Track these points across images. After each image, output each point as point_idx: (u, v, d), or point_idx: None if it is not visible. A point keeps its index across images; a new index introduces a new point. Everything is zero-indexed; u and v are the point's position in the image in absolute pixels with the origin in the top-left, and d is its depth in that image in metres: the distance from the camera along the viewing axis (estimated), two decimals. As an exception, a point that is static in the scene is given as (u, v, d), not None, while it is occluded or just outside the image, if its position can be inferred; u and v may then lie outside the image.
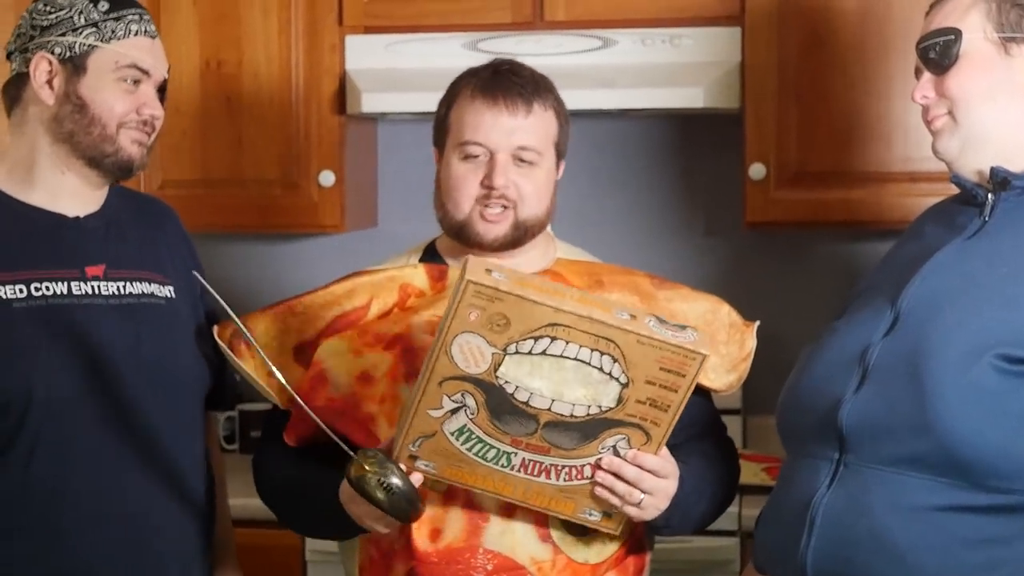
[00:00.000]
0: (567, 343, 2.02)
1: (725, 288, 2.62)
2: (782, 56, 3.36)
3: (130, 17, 2.42)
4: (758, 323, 2.46)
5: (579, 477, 2.12)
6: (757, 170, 3.37)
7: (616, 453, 2.10)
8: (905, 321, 2.08)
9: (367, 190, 3.82)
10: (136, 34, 2.42)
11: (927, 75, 2.17)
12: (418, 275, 2.39)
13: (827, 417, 2.11)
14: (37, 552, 2.33)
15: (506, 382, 2.04)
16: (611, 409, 2.06)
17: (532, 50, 3.41)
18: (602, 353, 2.02)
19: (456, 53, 3.37)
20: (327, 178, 3.52)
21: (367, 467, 2.08)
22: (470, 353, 2.01)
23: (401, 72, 3.45)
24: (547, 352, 2.03)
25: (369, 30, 3.52)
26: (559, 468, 2.11)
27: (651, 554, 2.44)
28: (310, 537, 2.45)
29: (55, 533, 2.33)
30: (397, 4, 3.50)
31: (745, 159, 3.40)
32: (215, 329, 2.40)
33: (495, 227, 2.32)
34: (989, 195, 2.13)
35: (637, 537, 2.35)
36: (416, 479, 2.12)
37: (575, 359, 2.03)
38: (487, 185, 2.30)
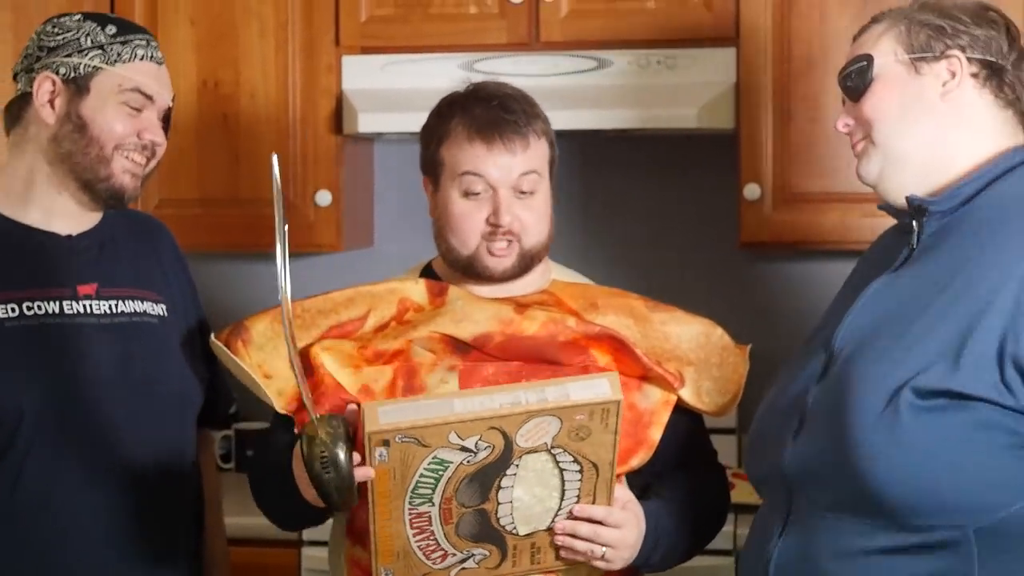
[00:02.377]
0: (579, 486, 2.11)
1: (719, 307, 2.63)
2: (777, 77, 3.37)
3: (137, 42, 2.43)
4: (750, 346, 2.47)
5: (427, 549, 2.13)
6: (752, 190, 3.38)
7: (463, 559, 2.15)
8: (836, 362, 2.08)
9: (363, 210, 3.82)
10: (142, 59, 2.43)
11: (848, 103, 2.19)
12: (418, 290, 2.39)
13: (774, 465, 2.12)
14: (23, 565, 2.34)
15: (516, 466, 2.07)
16: (514, 534, 2.15)
17: (527, 70, 3.42)
18: (579, 498, 2.14)
19: (452, 74, 3.38)
20: (324, 198, 3.53)
21: (321, 432, 2.04)
22: (538, 431, 2.04)
23: (398, 92, 3.46)
24: (563, 474, 2.09)
25: (366, 50, 3.53)
26: (430, 536, 2.11)
27: (645, 578, 2.45)
28: (277, 522, 2.42)
29: (42, 548, 2.34)
30: (394, 25, 3.52)
31: (740, 179, 3.41)
32: (212, 334, 2.40)
33: (503, 260, 2.34)
34: (914, 222, 2.12)
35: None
36: (362, 473, 2.05)
37: (560, 500, 2.12)
38: (492, 223, 2.31)
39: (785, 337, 3.32)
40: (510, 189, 2.32)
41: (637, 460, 2.31)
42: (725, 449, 3.56)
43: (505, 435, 2.03)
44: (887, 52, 2.13)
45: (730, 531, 3.20)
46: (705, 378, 2.40)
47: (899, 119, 2.12)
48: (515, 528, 2.14)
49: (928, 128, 2.11)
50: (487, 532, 2.13)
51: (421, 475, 2.04)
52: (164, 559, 2.45)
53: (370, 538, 2.11)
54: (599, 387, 2.05)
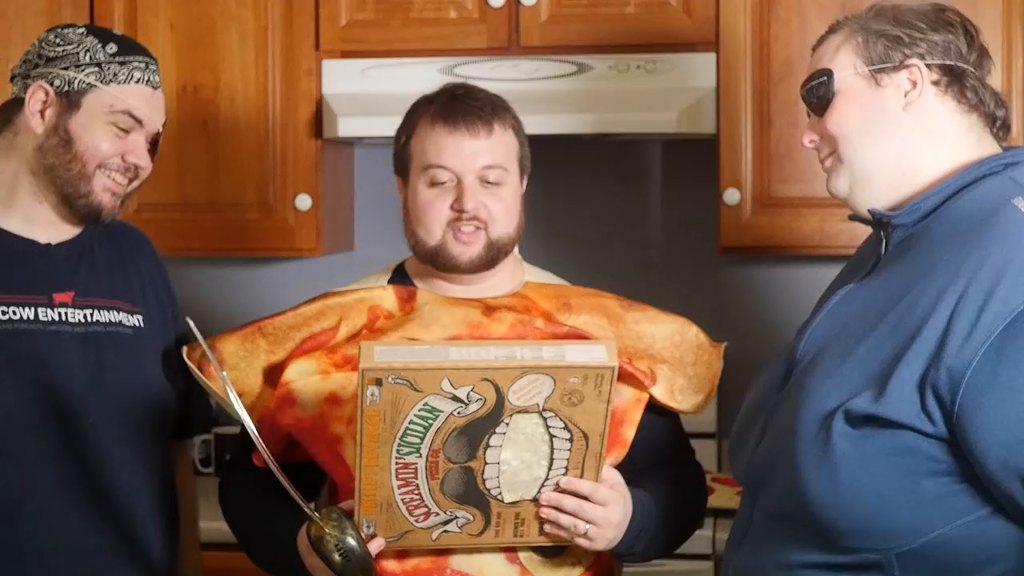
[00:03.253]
0: (568, 457, 2.11)
1: (699, 312, 2.63)
2: (756, 82, 3.38)
3: (135, 63, 2.43)
4: (726, 344, 2.47)
5: (411, 504, 2.13)
6: (731, 195, 3.39)
7: (446, 521, 2.15)
8: (795, 373, 2.08)
9: (343, 214, 3.82)
10: (138, 82, 2.42)
11: (812, 118, 2.17)
12: (387, 297, 2.40)
13: (740, 471, 2.15)
14: None
15: (507, 424, 2.07)
16: (499, 500, 2.15)
17: (508, 75, 3.42)
18: (567, 470, 2.14)
19: (432, 78, 3.37)
20: (303, 202, 3.52)
21: (327, 529, 2.11)
22: (531, 389, 2.04)
23: (377, 96, 3.46)
24: (553, 441, 2.10)
25: (346, 55, 3.53)
26: (415, 489, 2.11)
27: (620, 577, 2.46)
28: (263, 570, 2.45)
29: (13, 556, 2.34)
30: (373, 29, 3.51)
31: (719, 184, 3.41)
32: (184, 350, 2.41)
33: (469, 248, 2.34)
34: (881, 232, 2.11)
35: (606, 561, 2.37)
36: (374, 546, 2.14)
37: (548, 469, 2.12)
38: (457, 209, 2.32)
39: (764, 341, 3.33)
40: (475, 178, 2.33)
41: (611, 459, 2.32)
42: (705, 453, 3.57)
43: (498, 389, 2.03)
44: (846, 66, 2.11)
45: (709, 536, 3.20)
46: (679, 376, 2.40)
47: (863, 134, 2.09)
48: (500, 493, 2.14)
49: (893, 141, 2.08)
50: (472, 494, 2.13)
51: (411, 422, 2.04)
52: (137, 567, 2.44)
53: (355, 486, 2.11)
54: (595, 352, 2.05)
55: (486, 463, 2.11)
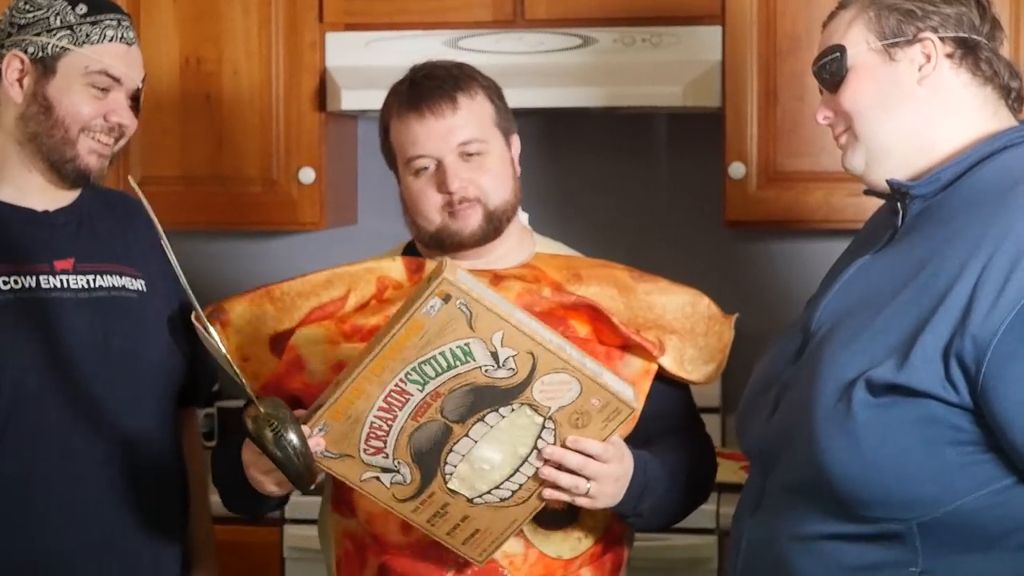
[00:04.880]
0: (536, 470, 2.11)
1: (704, 286, 2.62)
2: (762, 56, 3.37)
3: (107, 22, 2.41)
4: (736, 315, 2.46)
5: (373, 433, 2.08)
6: (736, 169, 3.38)
7: (385, 469, 2.10)
8: (810, 344, 2.08)
9: (347, 187, 3.81)
10: (112, 40, 2.41)
11: (826, 95, 2.15)
12: (396, 267, 2.39)
13: (751, 443, 2.15)
14: (4, 542, 2.34)
15: (512, 410, 2.06)
16: (444, 482, 2.12)
17: (512, 48, 3.41)
18: (520, 487, 2.13)
19: (437, 51, 3.36)
20: (307, 175, 3.52)
21: (263, 408, 2.01)
22: (558, 389, 2.04)
23: (381, 69, 3.41)
24: (533, 453, 2.09)
25: (349, 27, 3.52)
26: (390, 420, 2.07)
27: (629, 552, 2.44)
28: (234, 511, 2.40)
29: (23, 525, 2.34)
30: (377, 1, 3.50)
31: (725, 158, 3.40)
32: (193, 314, 2.39)
33: (468, 222, 2.32)
34: (899, 204, 2.10)
35: (615, 534, 2.36)
36: (314, 444, 2.04)
37: (502, 482, 2.12)
38: (446, 192, 2.30)
39: (770, 316, 3.33)
40: (456, 156, 2.31)
41: (621, 432, 2.30)
42: (710, 428, 3.53)
43: (533, 368, 2.02)
44: (859, 41, 2.09)
45: (713, 510, 3.20)
46: (689, 347, 2.39)
47: (878, 109, 2.08)
48: (451, 476, 2.11)
49: (908, 115, 2.07)
50: (430, 457, 2.10)
51: (440, 353, 2.01)
52: (147, 535, 2.45)
53: (338, 387, 2.05)
54: (626, 389, 2.08)
55: (466, 435, 2.08)
